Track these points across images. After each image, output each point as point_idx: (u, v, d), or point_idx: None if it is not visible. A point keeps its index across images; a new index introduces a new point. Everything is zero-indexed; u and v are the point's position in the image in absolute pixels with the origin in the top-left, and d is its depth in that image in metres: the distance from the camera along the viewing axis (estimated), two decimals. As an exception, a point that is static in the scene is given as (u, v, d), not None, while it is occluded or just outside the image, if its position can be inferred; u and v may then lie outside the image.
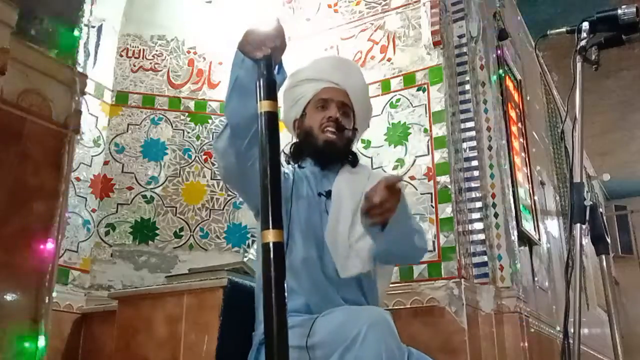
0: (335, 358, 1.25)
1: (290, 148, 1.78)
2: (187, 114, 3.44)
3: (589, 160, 7.37)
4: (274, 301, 1.06)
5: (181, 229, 3.24)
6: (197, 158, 3.38)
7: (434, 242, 2.76)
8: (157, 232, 3.20)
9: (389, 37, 3.25)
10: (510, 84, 3.76)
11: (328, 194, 1.65)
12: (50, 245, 1.65)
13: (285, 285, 1.11)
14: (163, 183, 3.29)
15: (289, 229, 1.54)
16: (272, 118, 1.22)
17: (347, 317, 1.32)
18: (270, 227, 1.11)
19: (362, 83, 1.87)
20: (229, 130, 1.48)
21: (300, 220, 1.60)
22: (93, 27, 3.17)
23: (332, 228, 1.59)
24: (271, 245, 1.09)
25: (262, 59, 1.34)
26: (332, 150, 1.69)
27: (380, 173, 1.89)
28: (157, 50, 3.49)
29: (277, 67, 1.39)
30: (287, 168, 1.72)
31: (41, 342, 1.57)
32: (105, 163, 3.23)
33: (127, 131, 3.32)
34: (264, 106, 1.23)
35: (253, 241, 3.30)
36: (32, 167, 1.67)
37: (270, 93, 1.25)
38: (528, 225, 3.55)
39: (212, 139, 3.42)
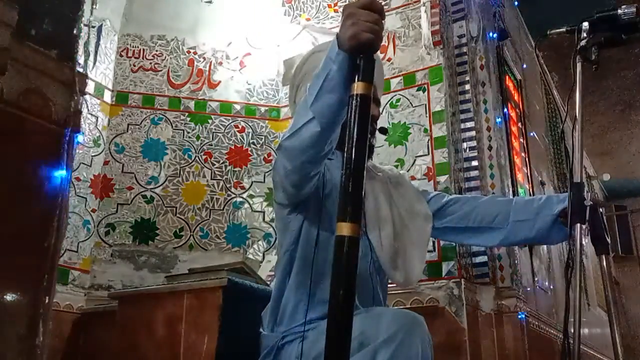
0: (369, 350, 1.24)
1: None
2: (187, 113, 3.44)
3: (589, 160, 7.37)
4: (342, 301, 0.98)
5: (181, 229, 3.24)
6: (197, 158, 3.38)
7: (434, 242, 2.76)
8: (157, 232, 3.20)
9: (389, 37, 3.25)
10: (510, 84, 3.76)
11: None
12: (49, 245, 1.65)
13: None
14: (163, 183, 3.30)
15: (324, 225, 1.48)
16: (365, 101, 1.09)
17: (386, 316, 1.31)
18: (348, 219, 1.00)
19: (383, 80, 1.83)
20: (319, 127, 1.28)
21: (332, 217, 1.54)
22: (93, 27, 3.17)
23: (376, 235, 1.55)
24: (346, 239, 1.00)
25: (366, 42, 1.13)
26: (369, 149, 1.60)
27: (393, 170, 1.81)
28: (157, 50, 3.49)
29: None
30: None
31: (39, 342, 1.57)
32: (105, 163, 3.23)
33: (127, 131, 3.32)
34: (358, 88, 1.10)
35: (253, 241, 3.30)
36: (32, 167, 1.67)
37: (368, 75, 1.11)
38: (528, 225, 3.54)
39: (212, 138, 3.42)
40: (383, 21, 1.15)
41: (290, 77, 1.80)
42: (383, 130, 1.67)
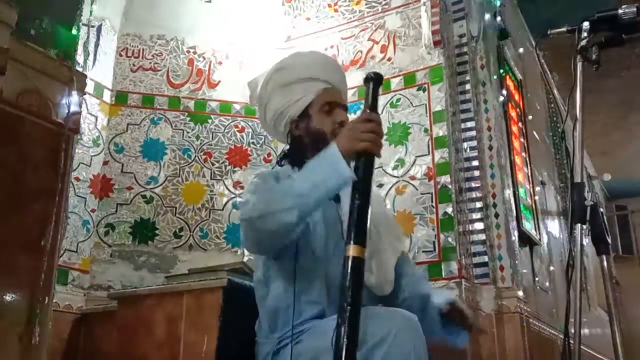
0: (362, 352, 1.25)
1: (290, 149, 1.73)
2: (186, 113, 3.44)
3: (590, 160, 7.36)
4: (350, 315, 1.13)
5: (181, 229, 3.24)
6: (196, 158, 3.37)
7: (434, 242, 2.76)
8: (156, 232, 3.20)
9: (389, 36, 3.24)
10: (510, 84, 3.76)
11: (337, 199, 1.63)
12: (49, 245, 1.65)
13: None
14: (162, 183, 3.29)
15: (308, 235, 1.54)
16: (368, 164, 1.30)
17: (379, 316, 1.32)
18: (352, 241, 1.19)
19: (346, 83, 1.87)
20: (295, 218, 1.38)
21: (315, 227, 1.57)
22: (93, 26, 3.16)
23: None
24: (350, 259, 1.18)
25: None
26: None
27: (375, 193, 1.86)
28: (156, 50, 3.48)
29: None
30: (285, 171, 1.67)
31: (35, 342, 1.57)
32: (105, 163, 3.23)
33: (127, 131, 3.32)
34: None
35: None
36: (31, 167, 1.66)
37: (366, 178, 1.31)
38: (529, 226, 3.54)
39: (212, 138, 3.42)
40: (380, 129, 1.32)
41: (257, 97, 1.83)
42: None
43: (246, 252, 3.20)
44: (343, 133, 1.37)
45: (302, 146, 1.70)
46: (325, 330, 1.37)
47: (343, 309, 1.15)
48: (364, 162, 1.29)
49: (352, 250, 1.18)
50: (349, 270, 1.17)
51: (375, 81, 1.36)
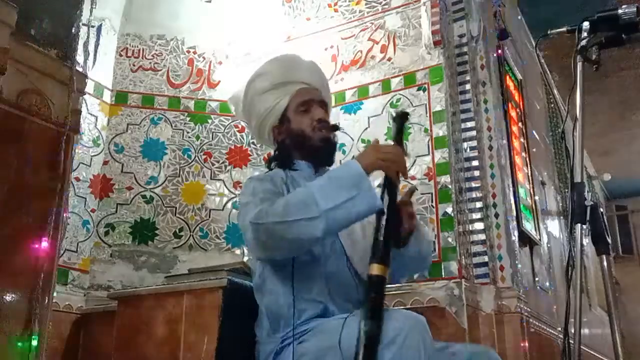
0: None
1: (277, 154, 1.76)
2: (186, 113, 3.44)
3: (590, 160, 7.37)
4: (370, 333, 1.15)
5: (181, 229, 3.24)
6: (196, 158, 3.37)
7: (434, 242, 2.75)
8: (156, 232, 3.20)
9: (389, 36, 3.24)
10: (510, 84, 3.76)
11: None
12: (48, 245, 1.64)
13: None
14: (162, 183, 3.29)
15: None
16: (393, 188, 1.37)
17: (388, 317, 1.31)
18: (377, 261, 1.23)
19: (325, 79, 1.89)
20: (320, 233, 1.35)
21: None
22: (92, 26, 3.16)
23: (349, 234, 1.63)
24: (374, 278, 1.21)
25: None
26: (330, 147, 1.73)
27: None
28: (156, 50, 3.48)
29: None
30: (277, 174, 1.68)
31: (35, 342, 1.57)
32: (105, 163, 3.23)
33: (127, 131, 3.32)
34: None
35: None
36: (31, 167, 1.66)
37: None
38: (529, 226, 3.54)
39: (212, 138, 3.42)
40: (403, 157, 1.40)
41: (240, 111, 1.89)
42: (335, 127, 1.76)
43: (246, 252, 3.20)
44: (366, 151, 1.42)
45: (287, 148, 1.73)
46: (330, 330, 1.38)
47: (366, 325, 1.17)
48: (389, 183, 1.36)
49: (375, 269, 1.22)
50: (371, 287, 1.20)
51: (399, 118, 1.44)
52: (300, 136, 1.70)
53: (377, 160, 1.37)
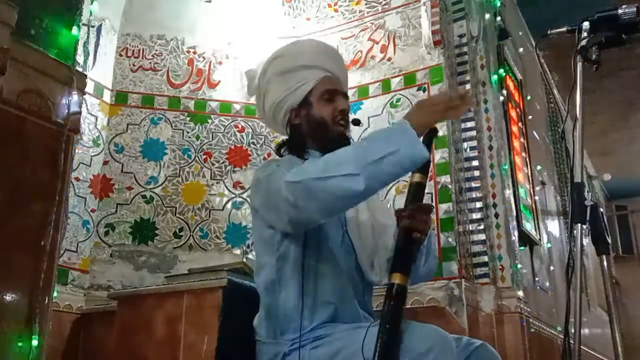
0: None
1: (289, 138, 1.70)
2: (186, 113, 3.44)
3: (590, 160, 7.36)
4: (388, 341, 1.19)
5: (181, 229, 3.24)
6: (196, 158, 3.37)
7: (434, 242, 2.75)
8: (156, 232, 3.20)
9: (389, 36, 3.24)
10: (510, 84, 3.76)
11: None
12: (49, 245, 1.65)
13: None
14: (162, 183, 3.29)
15: (314, 236, 1.51)
16: (420, 188, 1.44)
17: (415, 331, 1.28)
18: (399, 270, 1.28)
19: (347, 72, 1.85)
20: (362, 187, 1.28)
21: (320, 227, 1.51)
22: (93, 26, 3.16)
23: (357, 234, 1.61)
24: (396, 287, 1.26)
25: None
26: (344, 143, 1.61)
27: None
28: (156, 50, 3.48)
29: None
30: (292, 158, 1.64)
31: (35, 342, 1.57)
32: (105, 163, 3.23)
33: (127, 131, 3.32)
34: (415, 177, 1.41)
35: (253, 242, 3.29)
36: (31, 167, 1.66)
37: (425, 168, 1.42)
38: (529, 226, 3.54)
39: (212, 138, 3.42)
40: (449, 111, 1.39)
41: (255, 87, 1.80)
42: (356, 122, 1.71)
43: (247, 253, 3.20)
44: (413, 109, 1.38)
45: (302, 135, 1.66)
46: (348, 337, 1.36)
47: (382, 330, 1.20)
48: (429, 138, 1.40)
49: (398, 279, 1.26)
50: (394, 297, 1.24)
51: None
52: (319, 124, 1.63)
53: (433, 115, 1.38)
